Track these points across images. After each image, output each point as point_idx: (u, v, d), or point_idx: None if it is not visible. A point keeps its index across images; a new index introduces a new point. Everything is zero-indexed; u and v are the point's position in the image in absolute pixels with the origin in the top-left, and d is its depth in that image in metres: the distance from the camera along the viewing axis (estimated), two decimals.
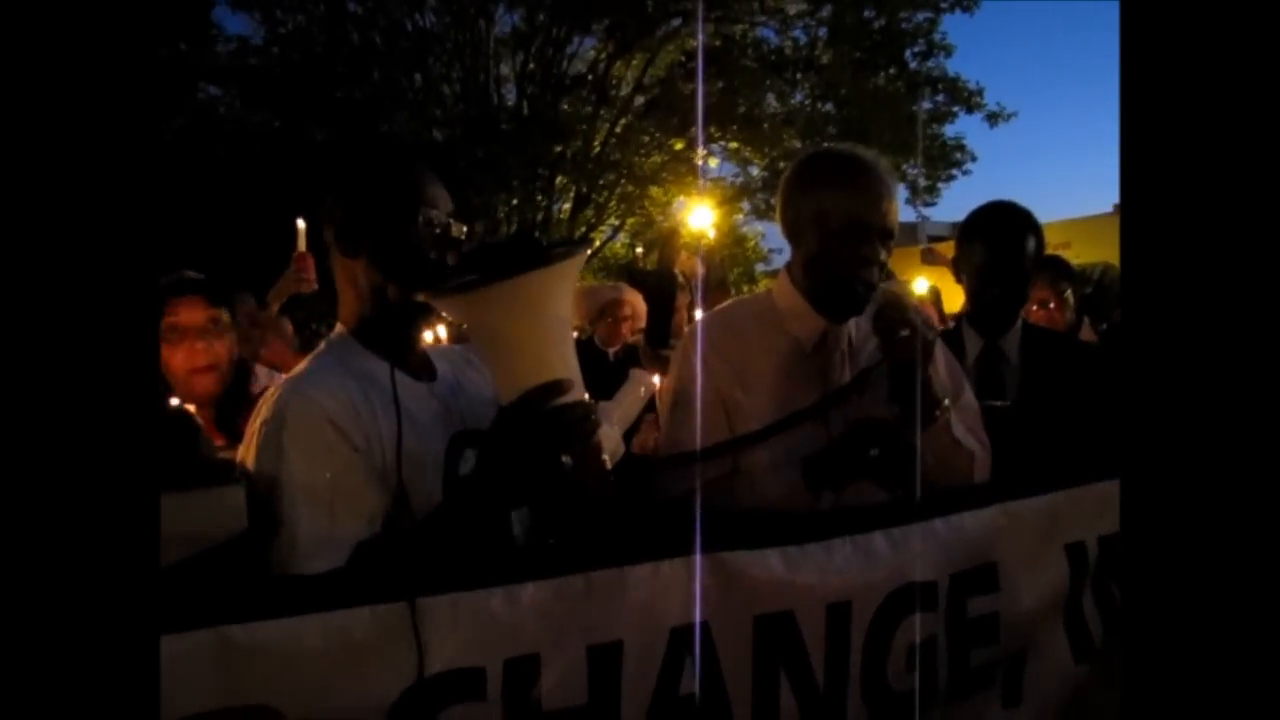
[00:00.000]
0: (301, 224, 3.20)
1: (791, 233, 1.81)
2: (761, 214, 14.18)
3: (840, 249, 1.72)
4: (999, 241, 2.27)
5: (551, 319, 1.31)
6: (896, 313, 1.63)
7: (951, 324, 3.54)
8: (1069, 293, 3.21)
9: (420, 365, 1.53)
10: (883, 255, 1.73)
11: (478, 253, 1.43)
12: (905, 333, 1.61)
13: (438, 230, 1.46)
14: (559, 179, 13.20)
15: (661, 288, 3.83)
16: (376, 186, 1.48)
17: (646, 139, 13.46)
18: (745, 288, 12.81)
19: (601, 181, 13.49)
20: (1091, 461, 1.72)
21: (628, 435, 2.01)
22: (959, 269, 2.37)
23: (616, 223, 14.72)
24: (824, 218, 1.73)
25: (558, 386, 1.28)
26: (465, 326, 1.41)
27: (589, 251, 12.90)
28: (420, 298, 1.43)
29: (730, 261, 12.54)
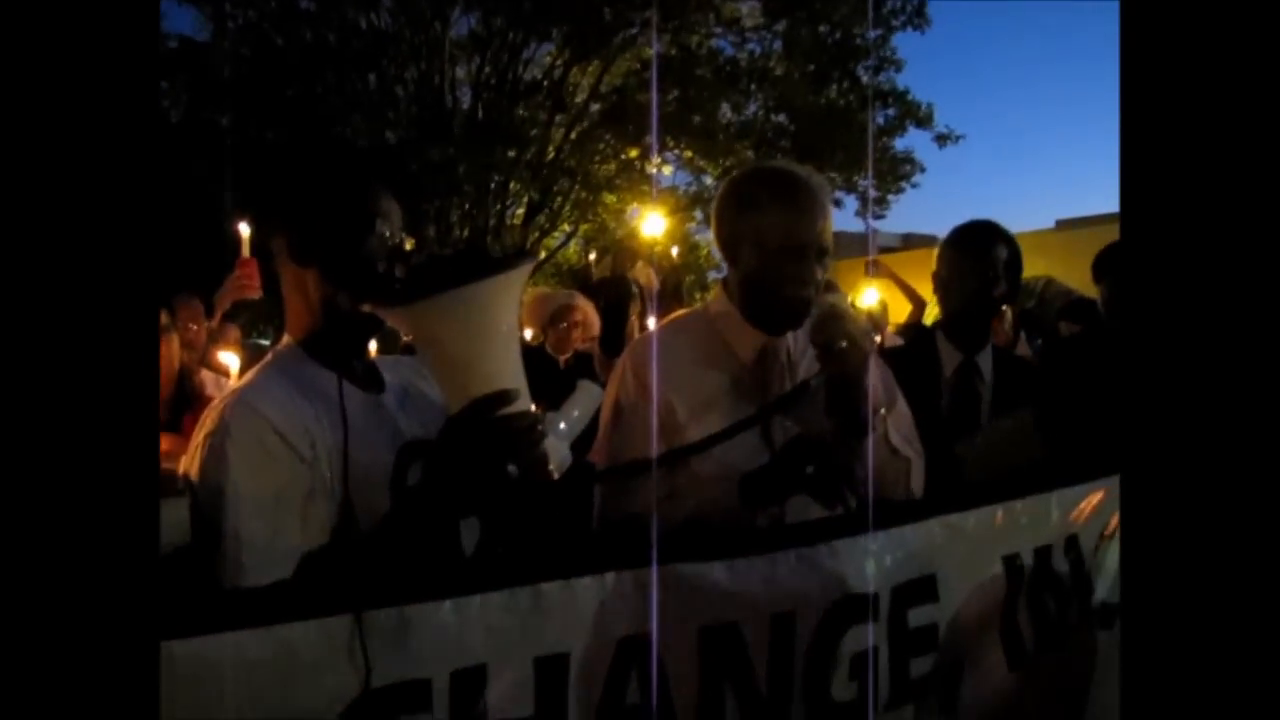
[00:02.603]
0: (246, 229, 3.14)
1: (727, 250, 1.81)
2: None
3: (777, 269, 1.72)
4: (971, 252, 2.35)
5: (497, 329, 1.31)
6: (834, 325, 1.63)
7: (899, 339, 3.61)
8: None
9: (368, 376, 1.53)
10: (819, 274, 1.73)
11: (426, 264, 1.43)
12: (843, 345, 1.62)
13: (391, 242, 1.46)
14: (512, 184, 13.14)
15: (616, 294, 3.83)
16: (333, 197, 1.47)
17: (601, 146, 13.48)
18: (698, 295, 12.86)
19: (555, 188, 13.47)
20: (1036, 474, 1.78)
21: (577, 446, 2.01)
22: (937, 283, 2.44)
23: (570, 229, 14.70)
24: (760, 238, 1.72)
25: (504, 397, 1.28)
26: (411, 338, 1.41)
27: (540, 258, 12.89)
28: (366, 309, 1.42)
29: (683, 269, 12.59)
